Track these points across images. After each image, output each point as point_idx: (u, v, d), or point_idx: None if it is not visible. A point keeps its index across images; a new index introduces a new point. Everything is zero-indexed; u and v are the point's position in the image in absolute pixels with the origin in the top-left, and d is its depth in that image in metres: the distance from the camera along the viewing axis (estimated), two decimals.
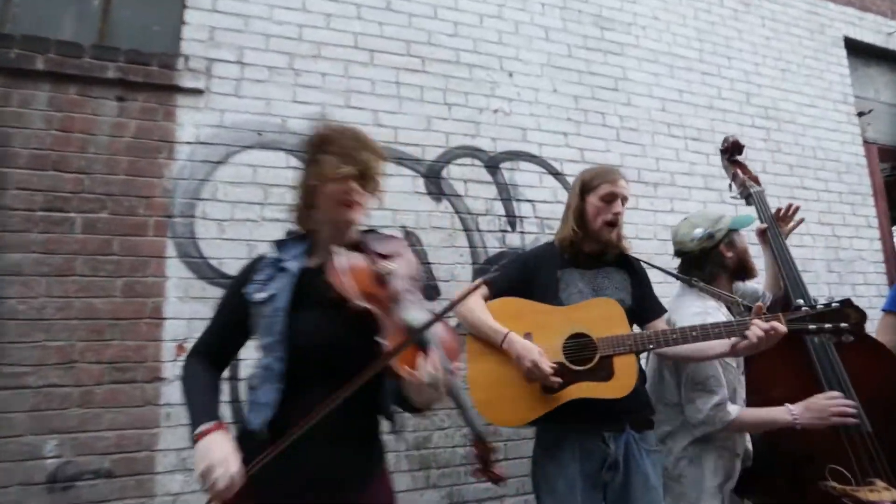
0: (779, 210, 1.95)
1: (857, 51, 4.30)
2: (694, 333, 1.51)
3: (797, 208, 1.96)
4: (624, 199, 1.75)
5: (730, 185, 2.15)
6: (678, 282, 1.89)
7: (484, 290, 1.74)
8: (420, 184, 2.52)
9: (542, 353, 1.53)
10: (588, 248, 1.76)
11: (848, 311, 1.41)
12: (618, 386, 1.54)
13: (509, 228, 2.64)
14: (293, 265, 1.19)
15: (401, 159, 2.51)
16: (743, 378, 1.83)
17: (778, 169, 3.57)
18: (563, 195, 2.77)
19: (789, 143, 3.67)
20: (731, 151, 2.11)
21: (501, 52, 2.84)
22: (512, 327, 1.61)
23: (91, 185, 2.08)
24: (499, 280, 1.75)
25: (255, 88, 2.36)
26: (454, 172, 2.59)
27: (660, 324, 1.77)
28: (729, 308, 1.83)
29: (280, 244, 1.28)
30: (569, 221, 1.78)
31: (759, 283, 2.09)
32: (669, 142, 3.20)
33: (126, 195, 2.11)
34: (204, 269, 2.16)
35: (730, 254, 1.84)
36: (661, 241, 3.03)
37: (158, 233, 2.13)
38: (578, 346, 1.60)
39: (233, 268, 2.18)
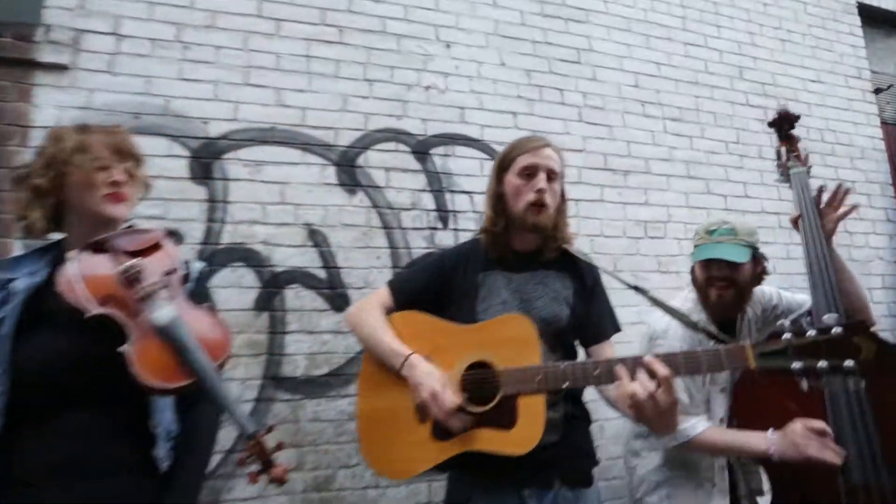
0: (820, 193, 1.49)
1: (874, 19, 3.77)
2: (596, 373, 1.10)
3: (847, 191, 1.48)
4: (551, 173, 1.34)
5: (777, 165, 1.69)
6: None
7: (385, 297, 1.38)
8: (330, 173, 2.15)
9: (447, 384, 1.18)
10: (519, 244, 1.38)
11: (857, 342, 0.91)
12: (519, 438, 1.13)
13: (440, 225, 2.25)
14: (23, 283, 1.02)
15: (308, 145, 2.14)
16: (722, 397, 1.49)
17: None
18: None
19: None
20: (782, 124, 1.68)
21: (438, 20, 2.44)
22: (412, 348, 1.27)
23: None
24: (405, 285, 1.39)
25: (135, 64, 2.02)
26: (373, 159, 2.22)
27: (606, 350, 1.37)
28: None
29: (16, 261, 1.09)
30: (486, 212, 1.41)
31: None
32: (644, 122, 2.76)
33: None
34: None
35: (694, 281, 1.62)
36: (632, 240, 2.60)
37: (5, 233, 1.81)
38: (479, 379, 1.21)
39: None
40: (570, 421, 1.29)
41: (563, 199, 1.44)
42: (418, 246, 2.19)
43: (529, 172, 1.33)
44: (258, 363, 1.95)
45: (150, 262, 1.02)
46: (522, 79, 2.53)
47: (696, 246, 1.60)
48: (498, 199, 1.38)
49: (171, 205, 1.96)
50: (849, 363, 0.89)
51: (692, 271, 1.61)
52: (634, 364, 1.04)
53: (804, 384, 0.94)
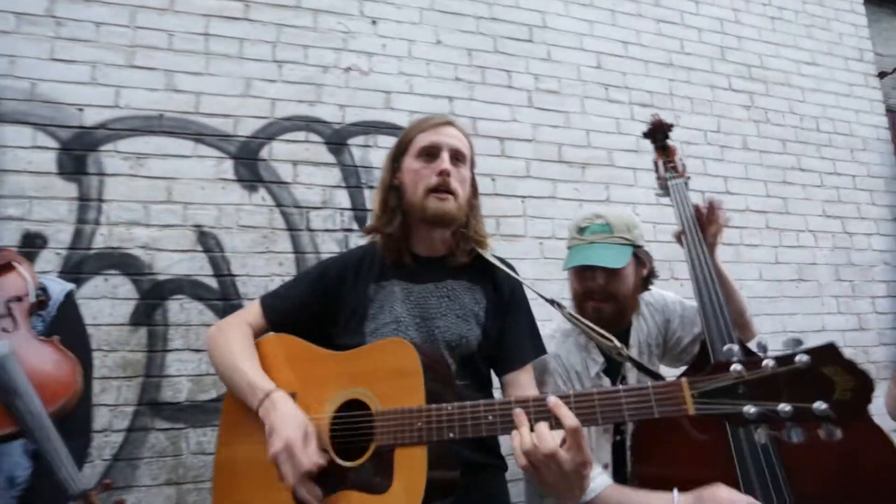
0: (698, 208, 1.28)
1: None
2: (489, 420, 0.81)
3: (718, 205, 1.28)
4: (457, 154, 1.10)
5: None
6: None
7: (255, 314, 1.11)
8: (227, 168, 1.87)
9: (311, 435, 0.91)
10: (422, 247, 1.13)
11: (828, 374, 0.63)
12: None
13: (356, 226, 1.96)
14: None
15: (200, 135, 1.86)
16: (605, 439, 1.19)
17: (765, 145, 2.74)
18: None
19: (782, 112, 2.83)
20: (656, 134, 1.50)
21: None
22: (277, 381, 1.00)
23: None
24: (277, 301, 1.13)
25: None
26: (279, 151, 1.93)
27: (521, 379, 1.09)
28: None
29: None
30: (374, 208, 1.17)
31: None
32: (607, 109, 2.44)
33: None
34: None
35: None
36: None
37: None
38: (352, 424, 0.93)
39: None
40: (476, 472, 1.01)
41: (474, 191, 1.19)
42: (329, 250, 1.90)
43: (430, 152, 1.09)
44: (132, 387, 1.68)
45: None
46: (462, 59, 2.23)
47: (568, 248, 1.30)
48: (393, 192, 1.12)
49: (34, 203, 1.69)
50: (820, 406, 0.62)
51: (570, 280, 1.31)
52: (537, 407, 0.76)
53: (760, 436, 0.66)
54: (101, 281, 1.71)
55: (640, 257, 1.27)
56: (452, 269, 1.12)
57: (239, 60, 1.95)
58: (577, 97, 2.39)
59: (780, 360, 0.65)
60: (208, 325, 1.76)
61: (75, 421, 0.96)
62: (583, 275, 1.23)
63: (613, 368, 1.24)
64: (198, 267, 1.78)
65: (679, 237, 1.29)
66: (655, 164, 1.46)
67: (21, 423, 0.84)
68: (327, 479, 0.91)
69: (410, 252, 1.12)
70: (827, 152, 2.91)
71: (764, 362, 0.65)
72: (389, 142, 2.05)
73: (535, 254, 2.17)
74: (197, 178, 1.83)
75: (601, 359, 1.22)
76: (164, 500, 1.65)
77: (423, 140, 1.10)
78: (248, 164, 1.89)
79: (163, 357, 1.72)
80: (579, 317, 1.09)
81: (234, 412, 1.04)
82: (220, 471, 1.05)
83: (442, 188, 1.06)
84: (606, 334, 1.04)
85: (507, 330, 1.12)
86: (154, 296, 1.74)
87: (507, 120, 2.24)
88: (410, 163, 1.10)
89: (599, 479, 0.99)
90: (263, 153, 1.91)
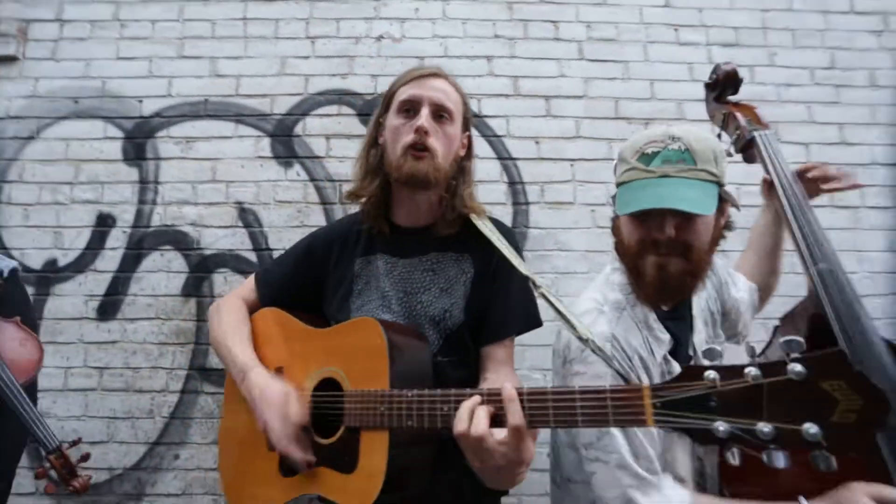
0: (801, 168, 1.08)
1: None
2: (445, 410, 0.76)
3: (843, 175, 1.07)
4: (439, 109, 0.99)
5: (718, 135, 1.22)
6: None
7: (249, 290, 1.13)
8: (265, 146, 1.93)
9: (291, 403, 0.90)
10: (405, 216, 1.05)
11: (828, 388, 0.51)
12: (357, 488, 0.84)
13: None
14: None
15: (240, 116, 1.94)
16: (684, 446, 0.92)
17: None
18: (482, 147, 1.94)
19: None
20: (723, 87, 1.22)
21: None
22: (265, 357, 1.02)
23: None
24: (269, 276, 1.13)
25: (75, 48, 1.99)
26: (312, 127, 1.94)
27: (497, 353, 0.99)
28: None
29: None
30: (357, 168, 1.08)
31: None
32: (677, 52, 2.09)
33: None
34: None
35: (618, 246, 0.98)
36: None
37: None
38: (327, 402, 0.92)
39: (36, 260, 1.86)
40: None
41: (468, 153, 1.07)
42: None
43: (409, 107, 0.99)
44: (184, 353, 1.82)
45: None
46: (501, 13, 2.05)
47: (620, 184, 0.93)
48: (374, 151, 1.05)
49: (105, 188, 1.90)
50: (810, 429, 0.51)
51: (614, 228, 1.00)
52: (491, 400, 0.71)
53: (732, 457, 0.55)
54: (158, 256, 1.87)
55: (725, 200, 0.92)
56: (438, 239, 1.01)
57: (274, 41, 2.00)
58: (640, 43, 2.08)
59: (766, 368, 0.54)
60: None
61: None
62: (645, 221, 0.89)
63: (682, 345, 0.97)
64: (239, 242, 1.87)
65: (771, 186, 1.04)
66: (726, 117, 1.20)
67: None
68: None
69: (389, 220, 1.04)
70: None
71: (745, 370, 0.55)
72: None
73: (585, 223, 1.95)
74: (238, 158, 1.91)
75: (667, 336, 0.93)
76: (212, 457, 1.77)
77: (403, 93, 0.99)
78: (284, 140, 1.93)
79: None
80: (550, 295, 0.90)
81: (232, 383, 1.06)
82: (223, 438, 1.09)
83: (419, 145, 0.95)
84: (577, 322, 0.85)
85: (491, 299, 0.99)
86: (202, 269, 1.86)
87: (553, 76, 2.02)
88: (391, 119, 1.00)
89: (673, 491, 0.81)
90: (297, 129, 1.94)
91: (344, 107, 1.96)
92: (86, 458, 1.06)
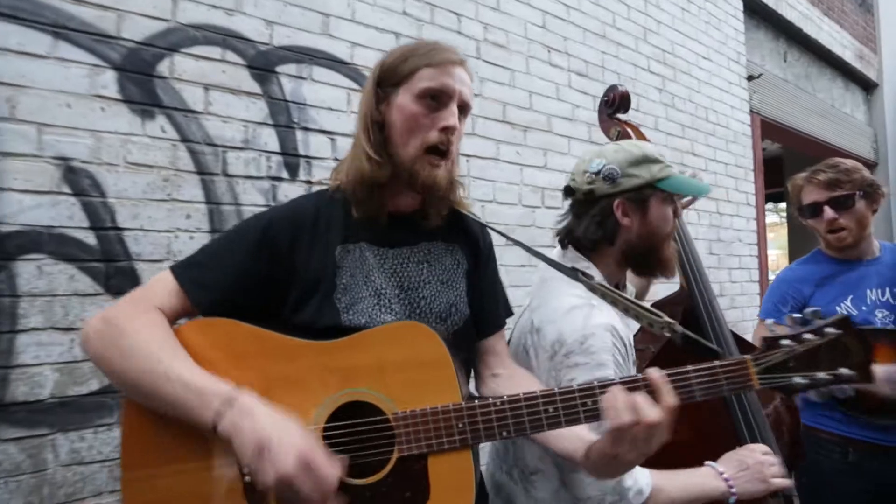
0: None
1: (751, 8, 3.83)
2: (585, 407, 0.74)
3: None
4: (465, 107, 0.87)
5: None
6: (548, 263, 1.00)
7: (169, 294, 0.79)
8: (107, 81, 1.37)
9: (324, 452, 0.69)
10: (397, 203, 0.90)
11: (848, 343, 0.74)
12: None
13: (286, 175, 1.60)
14: None
15: (63, 29, 1.32)
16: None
17: (671, 128, 2.95)
18: None
19: (683, 99, 3.07)
20: (618, 106, 1.41)
21: None
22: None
23: None
24: (209, 275, 0.81)
25: None
26: (185, 69, 1.47)
27: (498, 344, 0.97)
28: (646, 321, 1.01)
29: None
30: (359, 146, 0.86)
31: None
32: (549, 72, 2.36)
33: None
34: None
35: (626, 220, 1.02)
36: (527, 209, 2.23)
37: None
38: (356, 433, 0.76)
39: None
40: None
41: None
42: (251, 203, 1.52)
43: (437, 97, 0.83)
44: None
45: None
46: None
47: (663, 179, 1.06)
48: (376, 128, 0.86)
49: None
50: (845, 371, 0.73)
51: (606, 212, 1.04)
52: (633, 385, 0.73)
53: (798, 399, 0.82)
54: None
55: None
56: (426, 229, 0.92)
57: None
58: (522, 56, 2.26)
59: (816, 333, 0.73)
60: (83, 294, 1.30)
61: None
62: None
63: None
64: (65, 216, 1.29)
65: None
66: (619, 133, 1.39)
67: None
68: None
69: (386, 208, 0.89)
70: (712, 141, 3.26)
71: (805, 336, 0.73)
72: (328, 76, 1.72)
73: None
74: (58, 91, 1.30)
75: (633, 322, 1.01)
76: None
77: (429, 78, 0.83)
78: (140, 80, 1.40)
79: (11, 340, 1.22)
80: (614, 290, 0.95)
81: (151, 434, 0.74)
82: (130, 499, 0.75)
83: (441, 150, 0.84)
84: (651, 308, 0.93)
85: (482, 288, 0.97)
86: None
87: None
88: (407, 101, 0.84)
89: (642, 475, 0.91)
90: (162, 68, 1.43)
91: (230, 52, 1.54)
92: None
